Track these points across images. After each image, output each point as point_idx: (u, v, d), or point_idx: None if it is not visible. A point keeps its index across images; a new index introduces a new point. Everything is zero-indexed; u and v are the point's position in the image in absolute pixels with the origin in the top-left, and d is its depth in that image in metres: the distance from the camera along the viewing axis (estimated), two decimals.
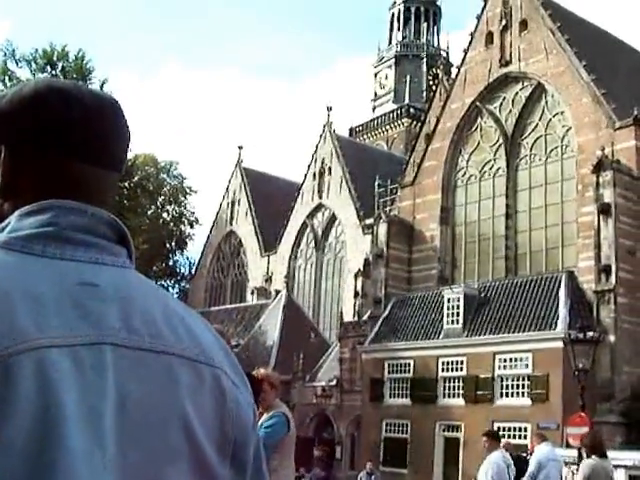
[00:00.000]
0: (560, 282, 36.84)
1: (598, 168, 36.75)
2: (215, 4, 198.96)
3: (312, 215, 64.42)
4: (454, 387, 38.37)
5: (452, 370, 38.51)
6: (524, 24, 44.95)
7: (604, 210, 35.95)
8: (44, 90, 1.32)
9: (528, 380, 35.19)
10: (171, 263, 78.65)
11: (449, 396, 38.43)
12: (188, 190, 77.76)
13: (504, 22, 45.79)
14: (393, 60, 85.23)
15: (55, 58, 45.24)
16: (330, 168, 63.75)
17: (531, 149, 44.47)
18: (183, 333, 1.24)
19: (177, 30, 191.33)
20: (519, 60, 44.67)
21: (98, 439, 1.07)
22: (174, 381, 1.19)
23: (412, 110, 79.64)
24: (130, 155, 51.44)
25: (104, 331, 1.14)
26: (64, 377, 1.07)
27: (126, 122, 1.40)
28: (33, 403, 1.03)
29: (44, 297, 1.13)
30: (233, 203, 73.25)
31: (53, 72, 45.33)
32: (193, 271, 77.08)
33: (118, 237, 1.30)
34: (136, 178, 58.28)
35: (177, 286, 78.84)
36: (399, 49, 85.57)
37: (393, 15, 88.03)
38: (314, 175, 64.81)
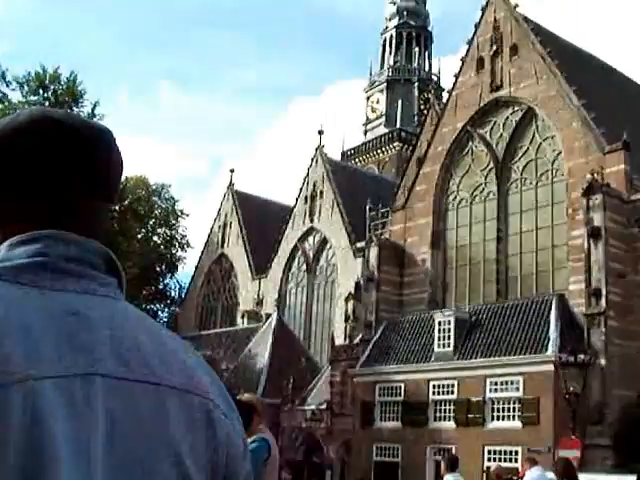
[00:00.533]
0: (551, 305, 36.90)
1: (588, 192, 36.91)
2: (208, 28, 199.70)
3: (303, 238, 64.43)
4: (445, 410, 38.29)
5: (443, 393, 38.46)
6: (514, 49, 45.27)
7: (594, 233, 36.06)
8: (38, 120, 1.32)
9: (519, 403, 35.15)
10: (161, 287, 78.32)
11: (440, 419, 38.34)
12: (179, 213, 77.70)
13: (495, 47, 46.10)
14: (385, 84, 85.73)
15: (47, 81, 45.30)
16: (322, 192, 63.83)
17: (522, 173, 44.65)
18: (173, 364, 1.23)
19: (170, 53, 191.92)
20: (510, 85, 44.94)
21: (88, 472, 1.06)
22: (164, 412, 1.18)
23: (403, 134, 80.00)
24: (122, 178, 51.40)
25: (94, 362, 1.14)
26: (54, 408, 1.06)
27: (119, 152, 1.40)
28: (22, 435, 1.02)
29: (34, 328, 1.12)
30: (224, 226, 73.24)
31: (45, 95, 45.42)
32: (183, 295, 76.84)
33: (108, 267, 1.30)
34: (127, 201, 58.23)
35: (167, 310, 78.57)
36: (391, 73, 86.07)
37: (385, 40, 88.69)
38: (306, 198, 64.88)
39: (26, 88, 45.19)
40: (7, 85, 45.06)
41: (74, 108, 45.89)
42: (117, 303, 1.27)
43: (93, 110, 46.31)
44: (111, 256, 1.30)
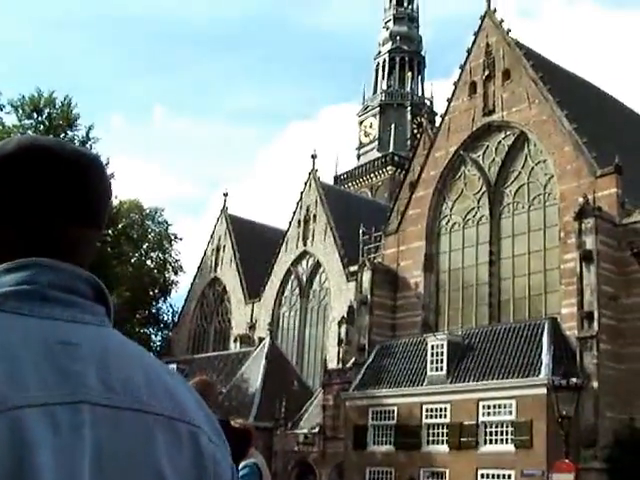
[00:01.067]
0: (543, 329, 36.94)
1: (580, 215, 37.06)
2: (202, 52, 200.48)
3: (297, 262, 64.43)
4: (438, 434, 38.18)
5: (436, 417, 38.36)
6: (507, 74, 45.54)
7: (586, 257, 36.18)
8: (27, 148, 1.32)
9: (512, 427, 35.08)
10: (154, 310, 78.21)
11: (433, 443, 38.22)
12: (173, 237, 77.72)
13: (487, 72, 46.37)
14: (378, 109, 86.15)
15: (42, 104, 45.43)
16: (315, 215, 63.93)
17: (514, 197, 44.80)
18: (161, 392, 1.23)
19: (165, 76, 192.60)
20: (502, 109, 45.18)
21: None
22: (151, 439, 1.18)
23: (396, 158, 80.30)
24: (115, 202, 51.53)
25: (81, 390, 1.14)
26: (40, 437, 1.06)
27: (108, 180, 1.41)
28: (7, 465, 1.02)
29: (21, 356, 1.12)
30: (218, 250, 73.20)
31: (39, 118, 45.54)
32: (176, 318, 76.67)
33: (97, 295, 1.30)
34: (120, 225, 58.24)
35: (160, 333, 78.42)
36: (384, 98, 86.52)
37: (378, 64, 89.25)
38: (299, 222, 64.97)
39: (20, 112, 45.30)
40: (1, 109, 45.19)
41: (68, 132, 46.05)
42: (105, 331, 1.27)
43: (87, 134, 46.47)
44: (99, 284, 1.31)
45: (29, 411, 1.07)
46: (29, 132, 45.30)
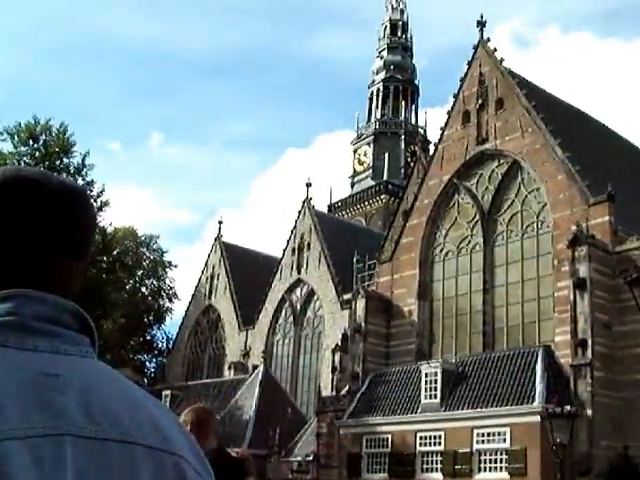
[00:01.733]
0: (537, 356, 37.00)
1: (573, 243, 37.21)
2: (200, 80, 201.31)
3: (291, 290, 64.46)
4: (432, 462, 38.10)
5: (430, 445, 38.29)
6: (500, 103, 45.84)
7: (580, 285, 36.29)
8: (11, 179, 1.32)
9: (506, 454, 35.05)
10: (149, 337, 78.18)
11: (427, 471, 38.13)
12: (167, 264, 77.83)
13: (480, 101, 46.67)
14: (372, 137, 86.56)
15: (38, 132, 45.68)
16: (309, 243, 64.04)
17: (507, 225, 44.97)
18: (146, 423, 1.23)
19: (162, 104, 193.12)
20: (495, 138, 45.44)
21: None
22: (134, 470, 1.17)
23: (390, 186, 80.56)
24: (109, 229, 51.65)
25: (63, 422, 1.13)
26: (21, 470, 1.05)
27: (93, 212, 1.43)
28: None
29: (3, 388, 1.12)
30: (212, 277, 73.21)
31: (35, 145, 45.79)
32: (171, 345, 76.59)
33: (81, 326, 1.30)
34: (115, 252, 58.36)
35: (154, 360, 78.34)
36: (378, 126, 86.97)
37: (372, 93, 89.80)
38: (293, 250, 65.06)
39: (17, 139, 45.54)
40: None
41: (64, 159, 46.29)
42: (90, 362, 1.28)
43: (83, 161, 46.75)
44: (84, 315, 1.31)
45: (11, 444, 1.06)
46: (25, 159, 45.53)
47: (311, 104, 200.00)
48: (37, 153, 45.57)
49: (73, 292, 1.36)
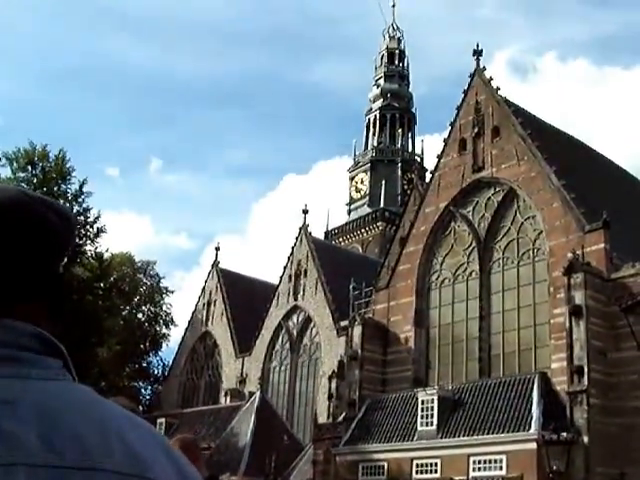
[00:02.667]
0: (533, 383, 37.02)
1: (569, 271, 37.32)
2: (200, 107, 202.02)
3: (287, 317, 64.50)
4: None
5: (427, 472, 38.20)
6: (496, 131, 46.11)
7: (575, 312, 36.35)
8: None
9: None
10: (144, 364, 78.07)
11: None
12: (164, 290, 77.91)
13: (476, 129, 46.93)
14: (369, 165, 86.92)
15: (36, 158, 45.87)
16: (306, 270, 64.17)
17: (503, 252, 45.07)
18: (118, 447, 1.16)
19: (161, 131, 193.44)
20: (491, 166, 45.66)
21: None
22: None
23: (387, 214, 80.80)
24: (106, 255, 51.68)
25: (17, 451, 1.08)
26: None
27: (71, 234, 1.38)
28: None
29: None
30: (209, 304, 73.23)
31: (33, 171, 45.95)
32: (167, 372, 76.46)
33: (48, 349, 1.26)
34: (112, 279, 58.38)
35: (150, 387, 78.18)
36: (375, 154, 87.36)
37: (369, 121, 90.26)
38: (290, 277, 65.19)
39: (15, 165, 45.71)
40: None
41: (62, 185, 46.44)
42: (57, 385, 1.23)
43: (81, 187, 46.84)
44: (49, 337, 1.27)
45: None
46: (22, 185, 45.67)
47: (309, 131, 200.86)
48: (35, 179, 45.76)
49: (44, 316, 1.32)
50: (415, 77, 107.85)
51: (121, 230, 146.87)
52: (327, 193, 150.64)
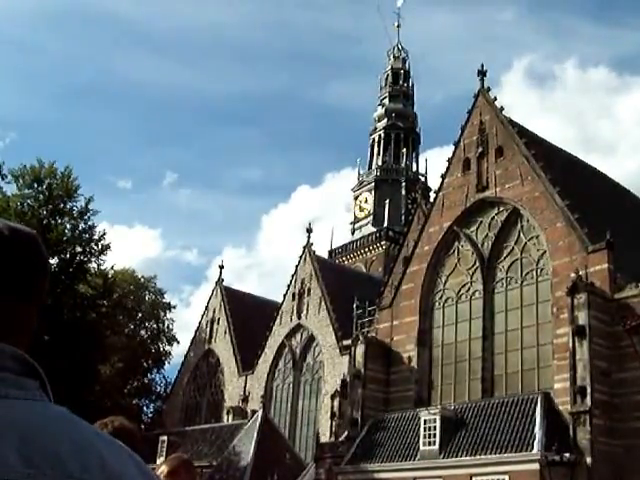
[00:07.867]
0: (536, 403, 36.96)
1: (572, 291, 37.32)
2: (214, 125, 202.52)
3: (291, 335, 64.45)
4: None
5: None
6: (500, 151, 46.21)
7: (579, 332, 36.33)
8: None
9: None
10: (147, 381, 78.01)
11: None
12: (166, 306, 77.94)
13: (480, 149, 47.06)
14: (373, 184, 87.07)
15: (42, 175, 45.97)
16: (309, 289, 64.16)
17: (507, 272, 45.08)
18: (94, 463, 1.19)
19: (174, 148, 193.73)
20: (495, 186, 45.74)
21: None
22: None
23: (391, 233, 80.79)
24: (110, 273, 51.80)
25: None
26: None
27: (42, 256, 1.40)
28: None
29: None
30: (212, 322, 73.22)
31: (39, 188, 46.05)
32: (169, 390, 76.38)
33: (25, 369, 1.27)
34: (115, 295, 58.44)
35: (152, 405, 78.08)
36: (379, 174, 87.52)
37: (374, 140, 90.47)
38: (293, 295, 65.20)
39: (21, 181, 45.83)
40: (2, 178, 45.74)
41: (68, 202, 46.57)
42: (35, 405, 1.24)
43: (87, 205, 46.96)
44: (26, 358, 1.29)
45: None
46: (28, 202, 45.86)
47: (324, 145, 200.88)
48: (41, 196, 45.87)
49: (22, 335, 1.34)
50: (421, 95, 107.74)
51: (131, 244, 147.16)
52: (338, 205, 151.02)
